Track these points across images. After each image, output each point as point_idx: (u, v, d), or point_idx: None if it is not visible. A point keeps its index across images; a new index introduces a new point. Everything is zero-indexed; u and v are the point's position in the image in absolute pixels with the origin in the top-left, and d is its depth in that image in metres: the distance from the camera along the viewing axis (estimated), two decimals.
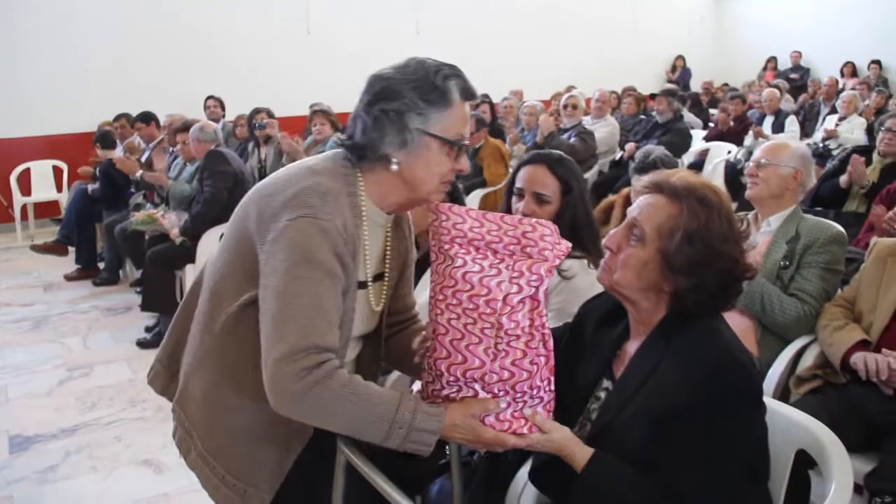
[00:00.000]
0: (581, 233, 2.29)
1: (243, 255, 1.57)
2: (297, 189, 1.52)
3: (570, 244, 1.45)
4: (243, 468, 1.66)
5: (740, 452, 1.44)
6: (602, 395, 1.65)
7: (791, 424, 1.70)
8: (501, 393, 1.46)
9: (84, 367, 4.60)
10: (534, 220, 1.46)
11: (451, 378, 1.46)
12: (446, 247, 1.49)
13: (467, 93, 1.60)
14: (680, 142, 7.42)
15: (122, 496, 3.13)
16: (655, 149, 3.43)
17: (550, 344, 1.46)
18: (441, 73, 1.56)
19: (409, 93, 1.54)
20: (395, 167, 1.56)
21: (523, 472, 1.76)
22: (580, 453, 1.47)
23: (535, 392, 1.47)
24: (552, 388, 1.49)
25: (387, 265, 1.75)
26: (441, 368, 1.47)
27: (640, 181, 1.70)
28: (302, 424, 1.56)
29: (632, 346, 1.62)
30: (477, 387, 1.46)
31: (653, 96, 8.72)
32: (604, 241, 1.61)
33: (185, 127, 5.31)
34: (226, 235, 1.67)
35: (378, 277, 1.75)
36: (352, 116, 1.62)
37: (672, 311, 1.55)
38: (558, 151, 2.45)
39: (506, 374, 1.43)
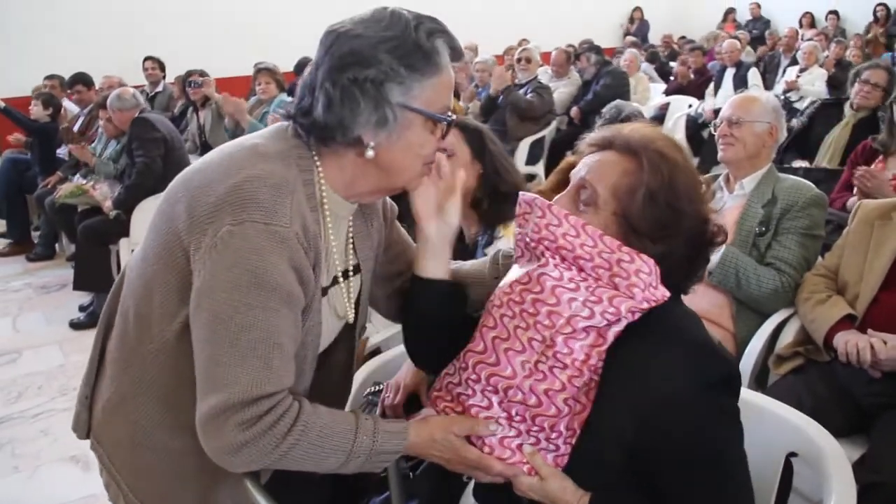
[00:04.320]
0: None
1: (175, 266, 1.23)
2: (242, 179, 1.18)
3: (667, 293, 1.21)
4: None
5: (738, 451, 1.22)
6: None
7: (780, 424, 1.48)
8: (518, 418, 1.25)
9: (12, 352, 4.27)
10: (635, 251, 1.21)
11: (473, 377, 1.27)
12: (533, 244, 1.27)
13: (455, 53, 1.27)
14: (617, 82, 7.14)
15: (46, 499, 2.86)
16: (626, 105, 3.14)
17: (593, 395, 1.23)
18: (424, 29, 1.23)
19: (386, 56, 1.20)
20: (370, 153, 1.24)
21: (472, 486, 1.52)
22: None
23: (553, 436, 1.25)
24: (572, 441, 1.25)
25: (351, 259, 1.43)
26: (468, 362, 1.28)
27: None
28: None
29: None
30: (494, 399, 1.26)
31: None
32: None
33: (104, 102, 4.90)
34: (147, 241, 1.31)
35: (345, 274, 1.43)
36: (304, 84, 1.27)
37: None
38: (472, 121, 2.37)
39: (532, 400, 1.22)
